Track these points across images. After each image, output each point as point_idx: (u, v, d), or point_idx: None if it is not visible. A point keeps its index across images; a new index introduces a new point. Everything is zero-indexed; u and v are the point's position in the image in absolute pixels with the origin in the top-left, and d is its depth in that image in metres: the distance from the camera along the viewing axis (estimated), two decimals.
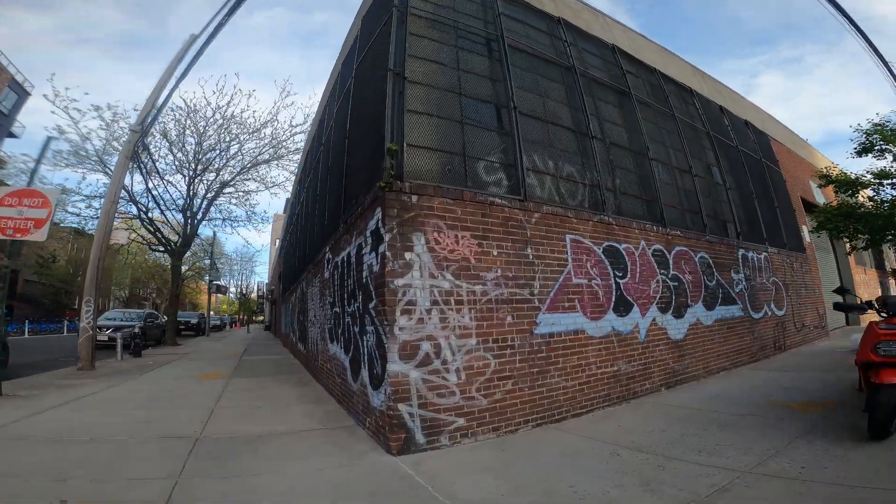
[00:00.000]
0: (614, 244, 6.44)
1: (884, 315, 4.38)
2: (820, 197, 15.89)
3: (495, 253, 5.13)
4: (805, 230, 13.52)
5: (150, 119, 12.41)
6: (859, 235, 7.44)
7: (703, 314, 7.74)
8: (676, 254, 7.54)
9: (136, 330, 15.41)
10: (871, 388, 4.00)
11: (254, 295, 51.23)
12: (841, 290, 5.19)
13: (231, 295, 55.48)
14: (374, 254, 4.78)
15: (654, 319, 6.71)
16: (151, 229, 17.88)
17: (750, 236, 10.13)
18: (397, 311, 4.35)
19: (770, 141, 13.81)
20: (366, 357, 5.09)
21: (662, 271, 7.10)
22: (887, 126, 6.57)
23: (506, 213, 5.37)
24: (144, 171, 15.70)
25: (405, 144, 5.04)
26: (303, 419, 5.86)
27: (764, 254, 10.26)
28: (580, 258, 5.91)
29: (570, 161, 6.76)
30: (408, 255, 4.49)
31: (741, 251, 9.42)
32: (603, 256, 6.20)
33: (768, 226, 11.04)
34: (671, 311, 7.06)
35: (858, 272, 17.86)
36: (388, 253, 4.41)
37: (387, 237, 4.45)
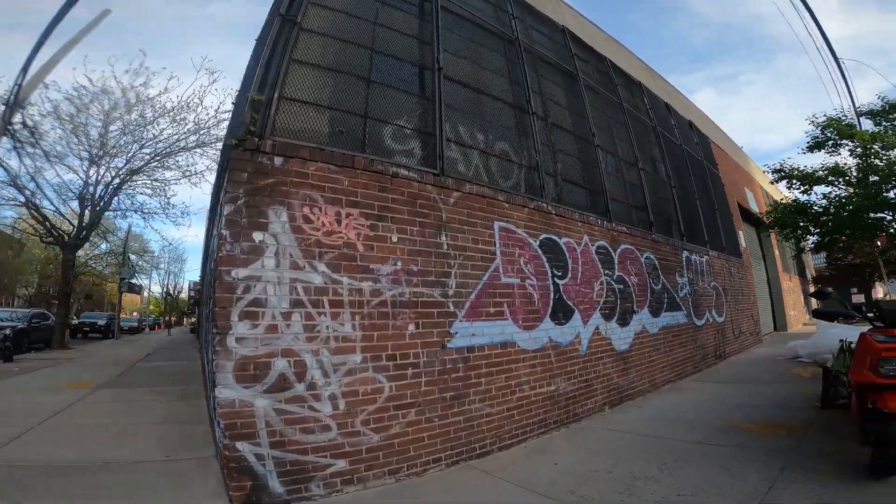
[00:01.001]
0: (553, 237, 5.24)
1: (878, 325, 3.38)
2: (754, 205, 15.81)
3: (395, 239, 3.75)
4: (741, 235, 13.16)
5: (20, 92, 10.17)
6: (808, 235, 6.69)
7: (648, 321, 6.73)
8: (622, 252, 6.49)
9: (7, 332, 12.77)
10: (874, 416, 2.98)
11: (184, 295, 47.05)
12: (821, 293, 4.21)
13: (157, 295, 50.86)
14: (215, 236, 3.26)
15: (597, 328, 5.58)
16: (39, 217, 15.13)
17: (693, 238, 9.39)
18: (234, 313, 2.87)
19: (711, 144, 13.39)
20: (209, 375, 3.55)
21: (607, 272, 6.01)
22: (843, 121, 5.89)
23: (414, 188, 4.02)
24: (23, 150, 13.10)
25: (277, 96, 3.61)
26: (150, 444, 4.31)
27: (706, 257, 9.55)
28: (512, 252, 4.65)
29: (504, 137, 5.52)
30: (258, 236, 3.01)
31: (685, 253, 8.60)
32: (540, 251, 4.98)
33: (709, 228, 10.41)
34: (616, 319, 5.98)
35: (785, 279, 18.05)
36: (225, 232, 2.92)
37: (227, 210, 2.96)
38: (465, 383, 4.05)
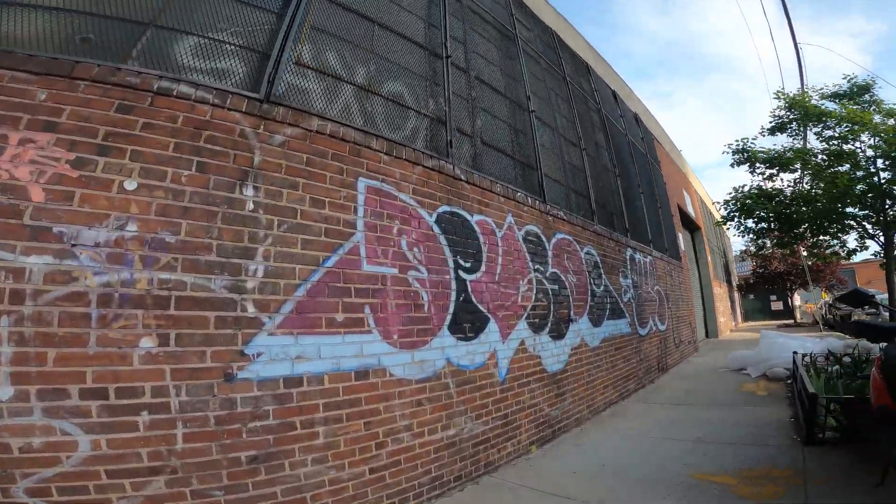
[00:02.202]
0: (461, 212, 3.58)
1: None
2: (691, 210, 15.19)
3: (132, 186, 1.96)
4: (681, 238, 12.28)
5: None
6: (770, 229, 5.47)
7: (589, 332, 5.25)
8: (558, 243, 4.96)
9: None
10: None
11: None
12: (858, 296, 2.81)
13: None
14: None
15: (522, 343, 3.97)
16: None
17: (637, 235, 8.16)
18: None
19: (655, 142, 12.47)
20: None
21: (538, 266, 4.44)
22: (810, 99, 4.77)
23: (202, 115, 2.26)
24: None
25: None
26: None
27: (649, 257, 8.34)
28: (388, 226, 2.92)
29: (401, 79, 3.82)
30: None
31: (629, 251, 7.29)
32: (437, 230, 3.29)
33: (653, 227, 9.28)
34: (548, 330, 4.41)
35: (716, 285, 17.69)
36: None
37: None
38: (283, 436, 2.26)
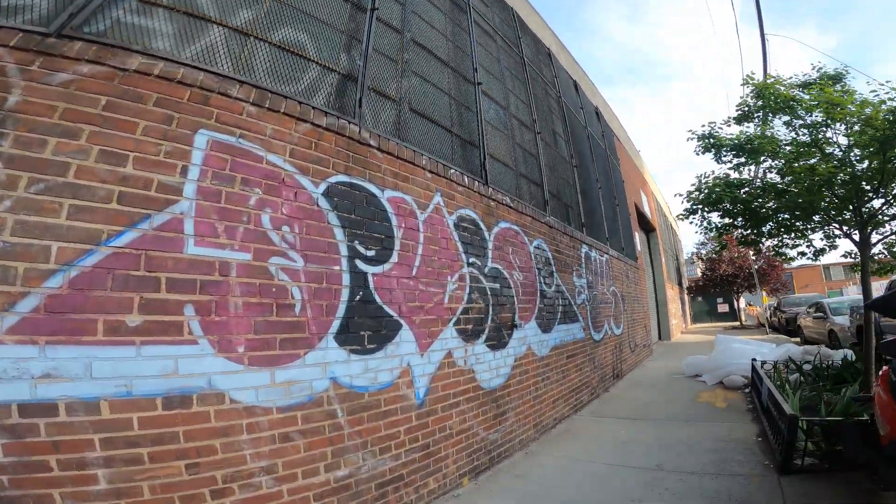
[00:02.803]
0: (366, 185, 2.73)
1: None
2: (647, 211, 14.99)
3: None
4: (637, 238, 11.93)
5: None
6: (736, 224, 4.93)
7: (536, 339, 4.52)
8: (502, 234, 4.21)
9: None
10: None
11: None
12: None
13: None
14: None
15: (449, 355, 3.17)
16: None
17: (593, 232, 7.58)
18: None
19: (615, 139, 12.08)
20: None
21: (474, 259, 3.65)
22: (779, 85, 4.27)
23: None
24: None
25: None
26: None
27: (606, 256, 7.79)
28: (241, 195, 2.04)
29: (304, 26, 2.95)
30: None
31: (585, 248, 6.67)
32: (325, 204, 2.43)
33: (610, 225, 8.77)
34: (485, 338, 3.63)
35: (669, 287, 17.66)
36: None
37: None
38: (26, 478, 1.35)
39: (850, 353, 5.99)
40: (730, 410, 5.19)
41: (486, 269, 3.81)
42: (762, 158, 4.65)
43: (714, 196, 4.63)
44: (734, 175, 4.76)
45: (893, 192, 4.10)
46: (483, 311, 3.66)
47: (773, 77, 4.66)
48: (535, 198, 5.43)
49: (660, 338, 15.75)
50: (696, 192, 4.96)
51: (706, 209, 4.97)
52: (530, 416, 4.31)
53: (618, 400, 6.27)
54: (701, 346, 13.10)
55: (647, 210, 14.61)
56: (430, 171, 3.31)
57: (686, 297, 25.85)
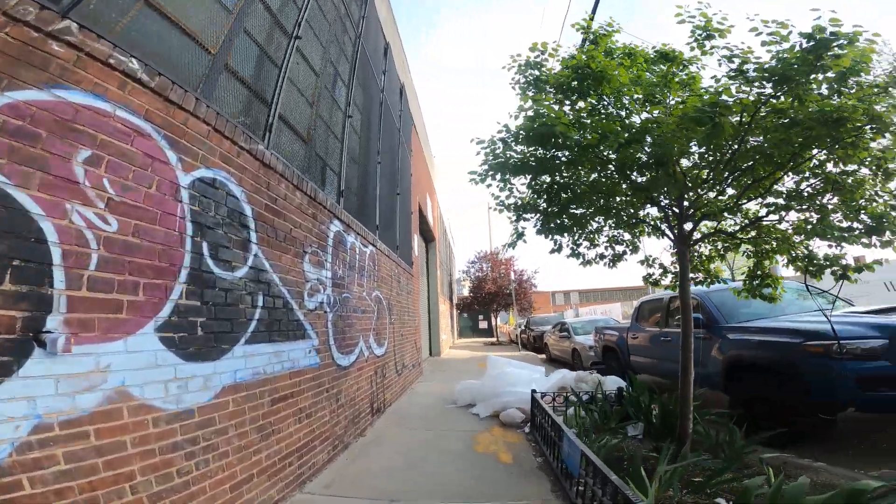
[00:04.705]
0: None
1: None
2: (431, 219, 13.87)
3: None
4: (416, 241, 10.37)
5: None
6: (540, 200, 3.33)
7: (162, 374, 1.79)
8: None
9: None
10: None
11: None
12: None
13: None
14: None
15: None
16: None
17: (362, 216, 5.35)
18: None
19: (413, 128, 10.36)
20: None
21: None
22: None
23: None
24: None
25: None
26: None
27: (372, 248, 5.62)
28: None
29: None
30: None
31: (338, 225, 4.31)
32: None
33: (384, 214, 6.72)
34: None
35: (442, 301, 17.08)
36: None
37: None
38: None
39: (623, 382, 5.16)
40: (517, 470, 3.48)
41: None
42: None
43: (512, 163, 2.94)
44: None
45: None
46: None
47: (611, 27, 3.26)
48: (251, 114, 2.80)
49: (430, 353, 14.72)
50: (491, 145, 3.17)
51: (505, 175, 3.23)
52: None
53: (374, 451, 4.03)
54: (469, 363, 12.38)
55: (430, 217, 13.50)
56: None
57: (455, 313, 26.72)
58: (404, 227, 8.55)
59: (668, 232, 3.43)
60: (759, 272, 3.72)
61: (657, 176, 2.78)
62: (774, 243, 3.55)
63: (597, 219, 3.65)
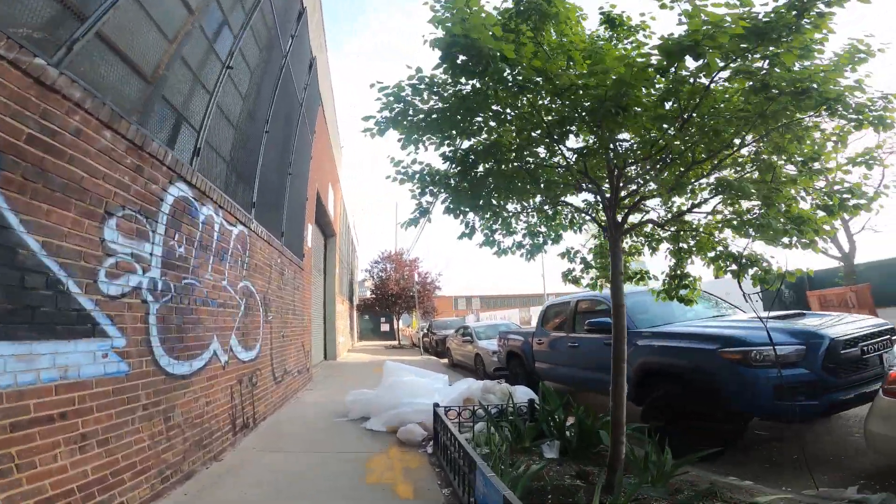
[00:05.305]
0: None
1: None
2: (332, 210, 12.56)
3: None
4: (310, 232, 9.15)
5: None
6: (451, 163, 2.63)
7: None
8: None
9: None
10: None
11: None
12: None
13: None
14: None
15: None
16: None
17: (227, 183, 4.18)
18: None
19: (320, 108, 9.10)
20: None
21: None
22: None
23: None
24: None
25: None
26: None
27: (240, 227, 4.46)
28: None
29: None
30: None
31: (183, 188, 3.17)
32: None
33: (268, 193, 5.55)
34: None
35: (340, 301, 15.78)
36: None
37: None
38: None
39: (532, 393, 4.65)
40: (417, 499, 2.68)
41: None
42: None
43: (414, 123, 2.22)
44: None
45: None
46: None
47: None
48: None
49: (325, 357, 13.36)
50: (394, 91, 2.39)
51: (417, 129, 2.46)
52: None
53: (230, 483, 3.00)
54: (366, 368, 11.31)
55: (331, 210, 12.23)
56: None
57: (355, 315, 25.25)
58: (296, 213, 7.37)
59: (597, 218, 2.91)
60: (678, 272, 3.41)
61: (602, 136, 2.20)
62: (692, 241, 3.24)
63: (514, 201, 3.02)
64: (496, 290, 49.37)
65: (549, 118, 2.28)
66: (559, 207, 3.15)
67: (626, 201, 2.82)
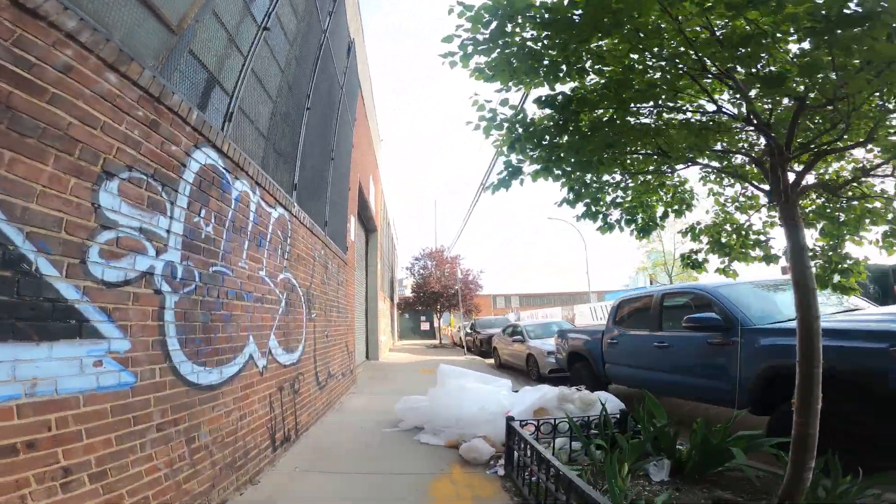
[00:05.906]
0: None
1: None
2: (373, 204, 12.07)
3: None
4: (353, 224, 8.62)
5: None
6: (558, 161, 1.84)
7: None
8: None
9: None
10: None
11: None
12: None
13: None
14: None
15: None
16: None
17: (265, 159, 3.62)
18: None
19: (359, 93, 8.62)
20: None
21: None
22: None
23: None
24: None
25: None
26: None
27: (281, 210, 3.89)
28: None
29: None
30: None
31: (211, 154, 2.58)
32: None
33: (309, 177, 4.99)
34: None
35: (381, 298, 15.30)
36: None
37: None
38: None
39: (617, 400, 3.85)
40: None
41: None
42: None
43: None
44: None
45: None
46: None
47: None
48: None
49: (367, 357, 12.89)
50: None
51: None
52: None
53: None
54: (411, 369, 10.73)
55: (372, 203, 11.73)
56: None
57: (396, 313, 24.83)
58: (339, 202, 6.83)
59: (755, 177, 2.09)
60: (839, 251, 2.53)
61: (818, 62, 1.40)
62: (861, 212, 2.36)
63: (634, 161, 2.24)
64: (533, 289, 48.03)
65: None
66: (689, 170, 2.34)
67: (803, 156, 1.99)
